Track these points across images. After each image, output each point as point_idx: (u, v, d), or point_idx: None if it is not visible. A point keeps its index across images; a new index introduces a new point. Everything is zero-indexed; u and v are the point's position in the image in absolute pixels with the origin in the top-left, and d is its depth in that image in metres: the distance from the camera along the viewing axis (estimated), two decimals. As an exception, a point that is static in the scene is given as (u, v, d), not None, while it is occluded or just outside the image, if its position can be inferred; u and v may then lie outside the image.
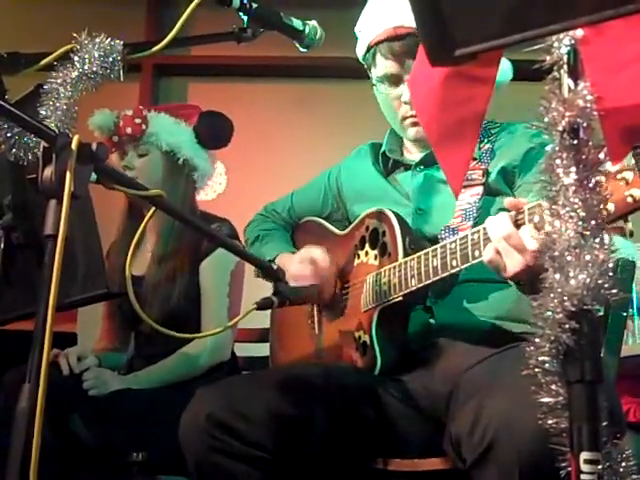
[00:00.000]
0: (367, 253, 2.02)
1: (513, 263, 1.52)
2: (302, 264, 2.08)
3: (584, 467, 1.01)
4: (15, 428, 1.19)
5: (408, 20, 1.97)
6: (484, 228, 1.62)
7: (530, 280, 1.59)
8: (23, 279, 1.81)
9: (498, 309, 1.87)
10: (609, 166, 1.08)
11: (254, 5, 1.82)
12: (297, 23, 1.89)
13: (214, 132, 2.79)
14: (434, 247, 1.77)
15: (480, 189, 1.94)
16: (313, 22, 1.89)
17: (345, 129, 4.08)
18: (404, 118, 2.10)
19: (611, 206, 1.12)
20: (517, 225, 1.52)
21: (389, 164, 2.17)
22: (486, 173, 1.96)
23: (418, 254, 1.82)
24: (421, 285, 1.80)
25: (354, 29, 2.15)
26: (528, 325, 1.73)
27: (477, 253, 1.64)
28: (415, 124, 2.08)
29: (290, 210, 2.41)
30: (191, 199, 2.78)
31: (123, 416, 2.43)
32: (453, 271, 1.72)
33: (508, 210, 1.86)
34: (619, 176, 1.14)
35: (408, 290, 1.83)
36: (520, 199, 1.58)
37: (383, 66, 2.07)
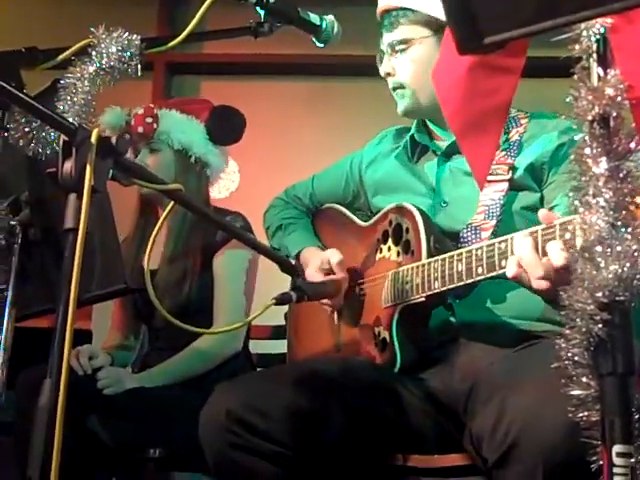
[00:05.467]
0: (390, 248, 2.00)
1: (538, 280, 1.50)
2: (319, 272, 2.08)
3: (617, 460, 1.00)
4: (36, 424, 1.18)
5: None
6: (512, 238, 1.60)
7: (556, 295, 1.57)
8: (40, 275, 1.81)
9: (519, 308, 1.84)
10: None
11: (271, 0, 1.81)
12: (314, 18, 1.88)
13: (226, 128, 2.79)
14: (459, 251, 1.75)
15: (505, 185, 1.91)
16: (330, 17, 1.88)
17: (358, 126, 4.06)
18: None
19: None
20: (546, 240, 1.50)
21: (418, 149, 2.14)
22: (512, 168, 1.93)
23: (443, 256, 1.79)
24: (444, 288, 1.78)
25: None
26: (550, 324, 1.76)
27: (504, 263, 1.61)
28: (400, 96, 2.09)
29: (311, 195, 2.39)
30: (205, 195, 2.78)
31: (139, 414, 2.43)
32: (478, 278, 1.70)
33: (532, 209, 1.85)
34: None
35: (431, 292, 1.82)
36: (554, 213, 1.55)
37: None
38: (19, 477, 2.23)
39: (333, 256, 2.08)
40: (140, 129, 2.66)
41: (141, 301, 2.70)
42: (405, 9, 2.05)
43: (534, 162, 1.93)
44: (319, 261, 2.10)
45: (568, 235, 1.45)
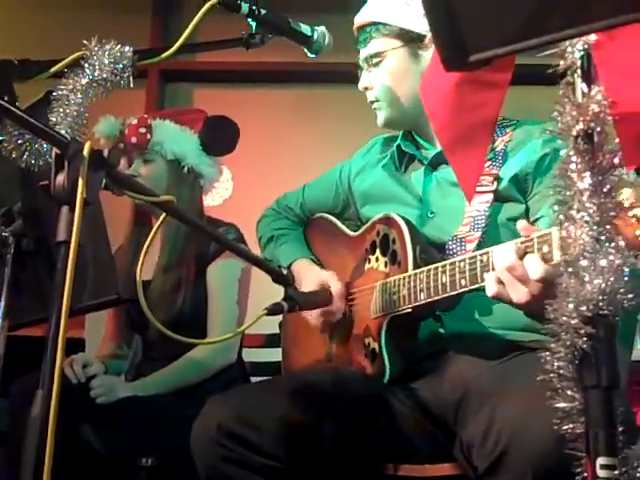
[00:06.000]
0: (377, 259, 2.01)
1: (517, 295, 1.51)
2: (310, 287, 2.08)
3: (600, 472, 1.01)
4: (28, 435, 1.19)
5: (364, 14, 2.12)
6: (492, 251, 1.61)
7: (538, 309, 1.58)
8: (32, 285, 1.82)
9: (506, 319, 1.84)
10: (623, 172, 1.07)
11: (262, 11, 1.82)
12: (305, 29, 1.89)
13: (220, 138, 2.80)
14: (444, 263, 1.76)
15: (490, 196, 1.92)
16: (322, 28, 1.90)
17: (349, 133, 4.07)
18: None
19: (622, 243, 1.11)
20: (524, 253, 1.50)
21: (405, 158, 2.15)
22: (497, 179, 1.94)
23: (428, 267, 1.81)
24: (430, 300, 1.79)
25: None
26: (537, 335, 1.76)
27: (485, 275, 1.61)
28: (378, 109, 2.13)
29: (302, 205, 2.39)
30: (198, 205, 2.79)
31: (131, 423, 2.44)
32: (461, 290, 1.71)
33: (515, 220, 1.87)
34: (631, 213, 1.14)
35: (417, 303, 1.83)
36: (532, 226, 1.56)
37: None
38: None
39: (334, 284, 2.09)
40: (134, 139, 2.67)
41: (134, 311, 2.70)
42: (377, 23, 2.08)
43: (518, 173, 1.94)
44: (317, 282, 2.10)
45: (546, 248, 1.47)
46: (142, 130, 2.68)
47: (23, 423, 1.24)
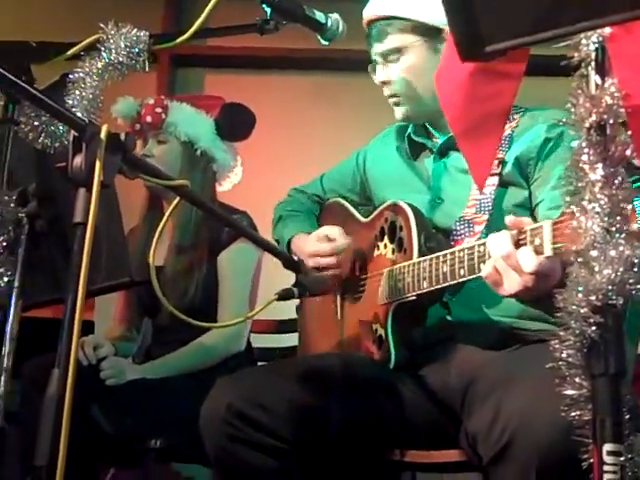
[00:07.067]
0: (386, 246, 2.03)
1: (511, 283, 1.52)
2: (319, 242, 2.09)
3: (607, 459, 1.03)
4: (44, 414, 1.21)
5: (375, 7, 2.08)
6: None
7: (531, 300, 1.60)
8: (46, 267, 1.84)
9: (515, 307, 1.84)
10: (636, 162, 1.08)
11: (277, -3, 1.83)
12: (320, 16, 1.90)
13: (235, 124, 2.81)
14: (444, 252, 1.77)
15: (495, 179, 1.92)
16: (335, 15, 1.90)
17: (363, 121, 4.08)
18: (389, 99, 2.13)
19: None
20: (518, 245, 1.50)
21: (416, 146, 2.16)
22: (502, 163, 1.95)
23: (430, 256, 1.82)
24: (432, 288, 1.81)
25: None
26: (545, 323, 1.78)
27: (482, 266, 1.62)
28: (397, 104, 2.10)
29: (321, 192, 2.40)
30: (210, 190, 2.80)
31: (140, 405, 2.45)
32: (461, 280, 1.72)
33: (521, 207, 1.88)
34: None
35: (421, 291, 1.84)
36: (522, 218, 1.55)
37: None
38: (24, 466, 2.26)
39: (330, 228, 2.10)
40: (149, 118, 2.69)
41: (146, 295, 2.72)
42: (391, 17, 2.05)
43: (520, 156, 1.94)
44: (315, 236, 2.11)
45: (538, 241, 1.46)
46: (158, 110, 2.70)
47: (35, 404, 1.25)
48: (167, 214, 1.60)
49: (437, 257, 1.79)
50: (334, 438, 1.79)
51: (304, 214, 2.35)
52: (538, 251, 1.46)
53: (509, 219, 1.54)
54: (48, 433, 1.18)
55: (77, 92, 1.64)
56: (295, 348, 2.45)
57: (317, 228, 2.22)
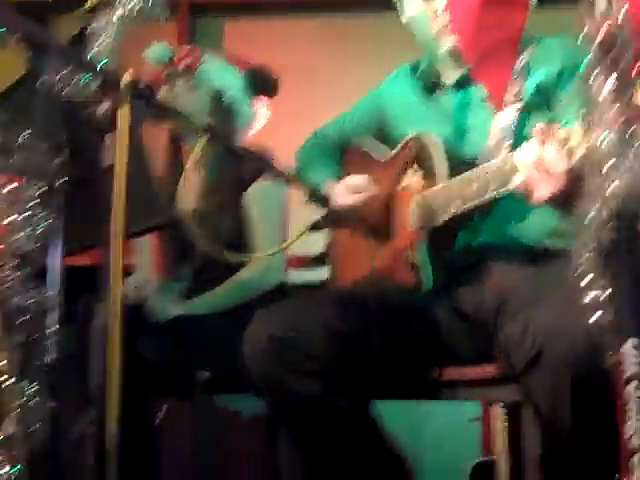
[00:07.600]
0: (411, 175, 2.06)
1: (544, 187, 1.54)
2: (348, 193, 2.13)
3: (631, 352, 1.07)
4: (93, 346, 1.25)
5: None
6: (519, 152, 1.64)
7: (564, 206, 1.60)
8: (82, 213, 1.88)
9: (543, 227, 1.90)
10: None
11: None
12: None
13: (262, 79, 2.85)
14: (474, 170, 1.80)
15: (516, 106, 1.93)
16: None
17: (387, 61, 4.05)
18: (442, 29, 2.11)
19: None
20: (548, 149, 1.52)
21: (429, 84, 2.16)
22: (522, 91, 1.95)
23: (461, 177, 1.84)
24: (464, 207, 1.83)
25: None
26: (568, 240, 1.81)
27: (513, 177, 1.65)
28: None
29: (341, 133, 2.41)
30: (235, 139, 2.82)
31: (185, 339, 2.55)
32: (492, 194, 1.75)
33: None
34: None
35: (452, 213, 1.87)
36: (552, 124, 1.57)
37: None
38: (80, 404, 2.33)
39: (358, 178, 2.13)
40: (182, 64, 2.75)
41: (180, 241, 2.76)
42: None
43: (540, 84, 1.95)
44: (344, 188, 2.15)
45: (569, 143, 1.49)
46: (192, 56, 2.76)
47: (89, 341, 1.30)
48: (195, 151, 1.63)
49: (467, 176, 1.82)
50: (372, 361, 1.86)
51: (326, 158, 2.39)
52: (569, 153, 1.48)
53: (538, 126, 1.55)
54: (99, 362, 1.23)
55: (97, 43, 1.67)
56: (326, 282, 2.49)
57: (341, 172, 2.27)
